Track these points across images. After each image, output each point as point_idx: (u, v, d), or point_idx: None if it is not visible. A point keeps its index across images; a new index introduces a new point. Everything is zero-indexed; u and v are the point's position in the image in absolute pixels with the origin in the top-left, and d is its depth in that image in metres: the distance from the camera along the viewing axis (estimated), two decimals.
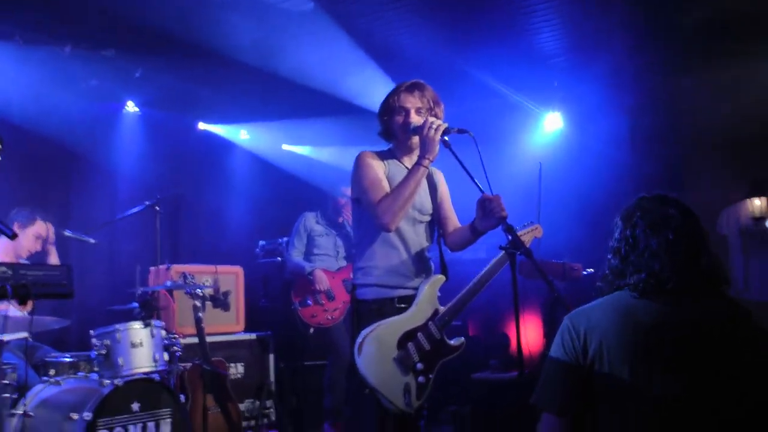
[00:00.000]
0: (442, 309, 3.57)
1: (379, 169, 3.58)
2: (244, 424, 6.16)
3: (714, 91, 6.57)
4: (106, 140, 7.43)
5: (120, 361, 4.41)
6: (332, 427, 6.33)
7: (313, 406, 6.75)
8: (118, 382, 4.04)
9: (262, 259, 7.53)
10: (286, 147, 8.94)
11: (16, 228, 5.38)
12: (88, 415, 3.82)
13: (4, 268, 2.41)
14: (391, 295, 3.54)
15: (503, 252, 3.60)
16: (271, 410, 6.67)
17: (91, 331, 4.59)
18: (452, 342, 3.56)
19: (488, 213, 3.42)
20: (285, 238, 7.26)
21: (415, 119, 3.56)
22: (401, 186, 3.44)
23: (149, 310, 4.74)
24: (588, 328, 2.10)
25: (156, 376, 4.49)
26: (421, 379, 3.43)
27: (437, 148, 3.43)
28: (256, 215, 8.53)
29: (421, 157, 3.45)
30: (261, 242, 7.68)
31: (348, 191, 6.50)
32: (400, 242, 3.58)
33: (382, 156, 3.67)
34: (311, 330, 6.33)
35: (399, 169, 3.64)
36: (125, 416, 4.05)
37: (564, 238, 6.12)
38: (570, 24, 6.46)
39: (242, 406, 6.15)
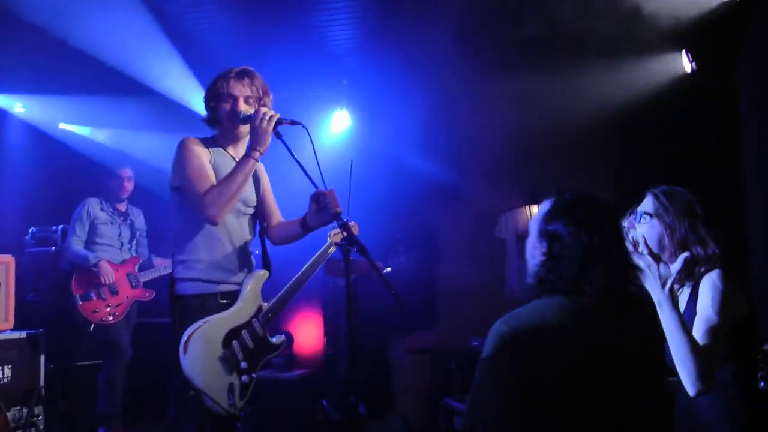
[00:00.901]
0: (265, 305, 3.49)
1: (204, 157, 3.40)
2: None
3: (503, 102, 6.84)
4: None
5: None
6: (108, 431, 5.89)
7: (85, 409, 6.25)
8: None
9: (33, 248, 6.84)
10: (63, 126, 8.15)
11: None
12: None
13: None
14: (215, 290, 3.38)
15: (326, 245, 3.62)
16: (40, 417, 6.06)
17: None
18: (273, 340, 3.51)
19: (322, 208, 3.38)
20: (60, 226, 6.68)
21: (244, 108, 3.44)
22: (230, 178, 3.29)
23: None
24: (526, 333, 1.98)
25: None
26: (244, 378, 3.34)
27: (269, 139, 3.32)
28: (27, 199, 7.72)
29: (251, 148, 3.33)
30: (32, 229, 6.98)
31: (126, 172, 6.13)
32: (225, 235, 3.42)
33: (207, 143, 3.49)
34: (92, 327, 5.84)
35: (224, 158, 3.49)
36: None
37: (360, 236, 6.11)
38: (363, 23, 6.50)
39: (8, 415, 5.50)
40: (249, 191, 3.53)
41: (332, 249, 3.65)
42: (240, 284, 3.44)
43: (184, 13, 6.23)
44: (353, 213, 3.73)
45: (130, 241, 6.20)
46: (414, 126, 7.05)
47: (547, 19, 5.70)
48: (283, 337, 3.54)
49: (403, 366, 6.85)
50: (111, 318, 5.88)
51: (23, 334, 6.02)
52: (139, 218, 6.30)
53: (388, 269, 6.08)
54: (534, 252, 2.15)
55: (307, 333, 7.13)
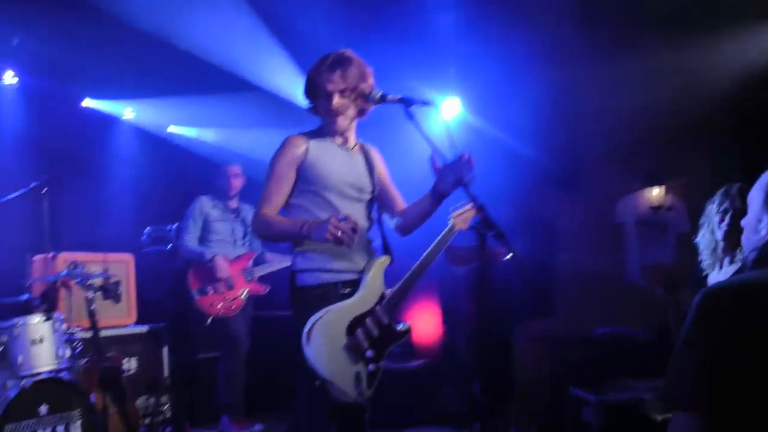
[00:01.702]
0: (388, 292, 3.43)
1: (291, 163, 3.37)
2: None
3: (622, 82, 6.65)
4: None
5: (19, 359, 3.97)
6: (231, 421, 6.07)
7: (207, 400, 6.47)
8: (24, 383, 3.61)
9: (149, 247, 7.08)
10: (172, 128, 8.43)
11: None
12: None
13: None
14: (335, 280, 3.35)
15: (448, 228, 3.53)
16: (167, 406, 6.31)
17: None
18: (399, 327, 3.44)
19: (454, 169, 3.27)
20: (174, 224, 6.88)
21: (338, 103, 3.39)
22: (276, 227, 3.31)
23: (51, 302, 4.29)
24: (734, 301, 1.81)
25: (65, 375, 4.08)
26: (371, 367, 3.30)
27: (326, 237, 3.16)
28: (141, 200, 8.00)
29: (307, 234, 3.22)
30: (147, 229, 7.22)
31: (233, 170, 6.27)
32: None
33: (312, 135, 3.47)
34: (209, 320, 6.01)
35: (327, 147, 3.46)
36: (33, 420, 3.64)
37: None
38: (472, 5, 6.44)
39: (137, 404, 5.74)
40: (362, 178, 3.49)
41: (454, 231, 3.56)
42: (360, 273, 3.40)
43: (283, 6, 6.29)
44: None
45: (243, 237, 6.34)
46: (527, 110, 6.93)
47: None
48: (408, 324, 3.46)
49: (524, 354, 6.78)
50: (228, 311, 6.03)
51: (146, 329, 6.29)
52: (250, 213, 6.41)
53: (510, 256, 6.03)
54: (758, 224, 2.04)
55: (425, 322, 7.13)
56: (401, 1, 6.34)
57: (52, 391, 3.79)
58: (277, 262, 6.26)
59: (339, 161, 3.43)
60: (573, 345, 6.02)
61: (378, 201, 3.63)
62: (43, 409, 3.70)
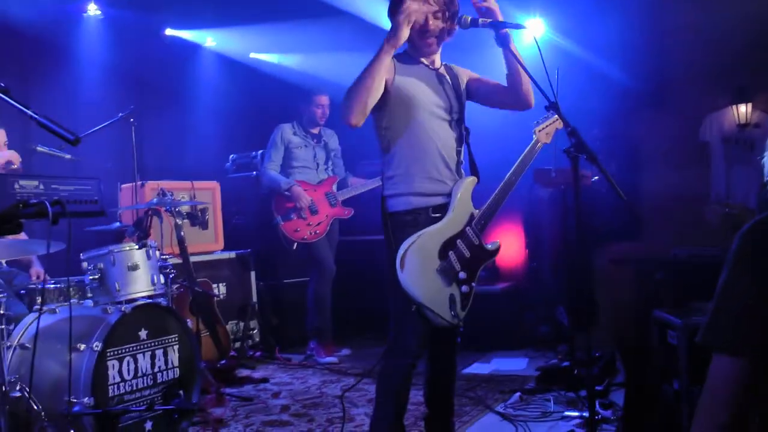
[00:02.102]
0: (477, 212, 3.37)
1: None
2: None
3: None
4: (67, 45, 6.83)
5: (116, 285, 4.07)
6: (319, 345, 6.16)
7: (295, 324, 6.58)
8: (125, 308, 3.70)
9: (234, 174, 7.18)
10: (253, 55, 8.42)
11: None
12: (97, 345, 3.48)
13: (35, 182, 2.03)
14: (426, 204, 3.29)
15: (532, 143, 3.46)
16: (255, 330, 6.46)
17: (81, 255, 4.21)
18: (489, 246, 3.41)
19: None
20: (259, 151, 6.92)
21: (435, 25, 3.29)
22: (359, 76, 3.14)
23: (143, 230, 4.36)
24: None
25: (162, 301, 4.17)
26: (464, 288, 3.29)
27: (401, 33, 3.08)
28: (224, 128, 8.07)
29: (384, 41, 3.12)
30: (232, 156, 7.31)
31: (323, 99, 6.22)
32: (431, 146, 3.30)
33: (399, 58, 3.36)
34: (294, 245, 6.05)
35: (415, 69, 3.37)
36: (133, 344, 3.73)
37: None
38: None
39: (227, 327, 5.88)
40: (450, 98, 3.40)
41: (539, 146, 3.48)
42: (449, 195, 3.34)
43: None
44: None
45: (326, 162, 6.32)
46: (612, 29, 6.68)
47: None
48: (498, 243, 3.43)
49: (608, 277, 6.67)
50: (312, 236, 6.05)
51: (233, 254, 6.40)
52: (332, 139, 6.39)
53: (596, 178, 5.88)
54: None
55: (509, 245, 7.07)
56: None
57: (151, 316, 3.85)
58: (361, 185, 6.24)
59: (426, 82, 3.35)
60: (657, 266, 5.89)
61: (487, 100, 3.54)
62: (143, 333, 3.79)
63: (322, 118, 6.25)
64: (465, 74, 3.56)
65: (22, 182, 1.99)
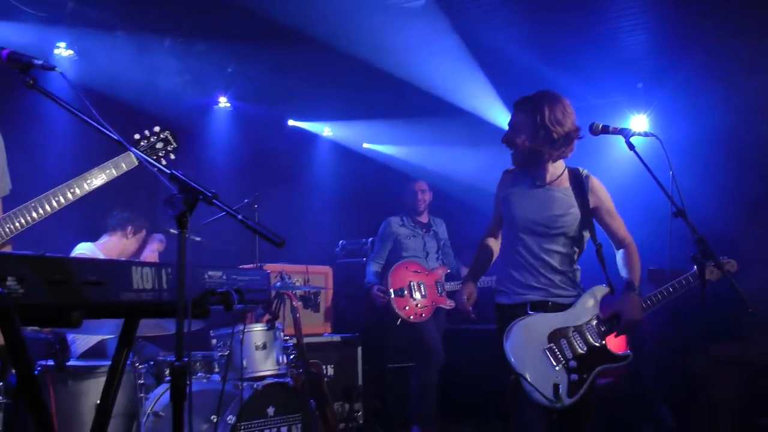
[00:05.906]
0: (602, 316, 3.58)
1: (497, 201, 3.87)
2: None
3: None
4: (198, 136, 7.35)
5: (244, 363, 4.31)
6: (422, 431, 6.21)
7: (397, 408, 6.65)
8: (256, 386, 3.94)
9: (343, 259, 7.43)
10: (366, 145, 8.84)
11: (129, 233, 5.25)
12: (231, 418, 3.73)
13: (220, 272, 2.29)
14: (523, 300, 3.58)
15: (694, 271, 3.54)
16: (360, 413, 6.57)
17: (211, 332, 4.49)
18: (619, 353, 3.59)
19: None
20: (369, 239, 7.15)
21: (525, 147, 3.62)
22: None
23: (273, 312, 4.63)
24: None
25: (289, 381, 4.39)
26: (574, 376, 3.42)
27: None
28: (336, 214, 8.42)
29: None
30: (342, 242, 7.57)
31: (420, 185, 6.43)
32: (525, 253, 3.64)
33: (513, 173, 3.80)
34: (398, 321, 6.13)
35: (519, 187, 3.72)
36: (262, 420, 3.96)
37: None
38: (658, 25, 6.37)
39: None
40: (548, 216, 3.60)
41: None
42: (546, 297, 3.58)
43: (480, 28, 6.44)
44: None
45: (437, 252, 6.47)
46: (718, 125, 6.74)
47: None
48: (629, 354, 3.57)
49: (708, 378, 6.54)
50: (417, 317, 6.11)
51: (341, 337, 6.60)
52: (441, 228, 6.55)
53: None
54: None
55: (613, 342, 7.06)
56: (593, 23, 6.34)
57: (278, 394, 4.09)
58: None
59: (527, 199, 3.65)
60: (763, 371, 5.79)
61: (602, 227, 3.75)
62: (270, 410, 4.01)
63: (422, 204, 6.43)
64: (594, 194, 3.78)
65: (210, 273, 2.23)
